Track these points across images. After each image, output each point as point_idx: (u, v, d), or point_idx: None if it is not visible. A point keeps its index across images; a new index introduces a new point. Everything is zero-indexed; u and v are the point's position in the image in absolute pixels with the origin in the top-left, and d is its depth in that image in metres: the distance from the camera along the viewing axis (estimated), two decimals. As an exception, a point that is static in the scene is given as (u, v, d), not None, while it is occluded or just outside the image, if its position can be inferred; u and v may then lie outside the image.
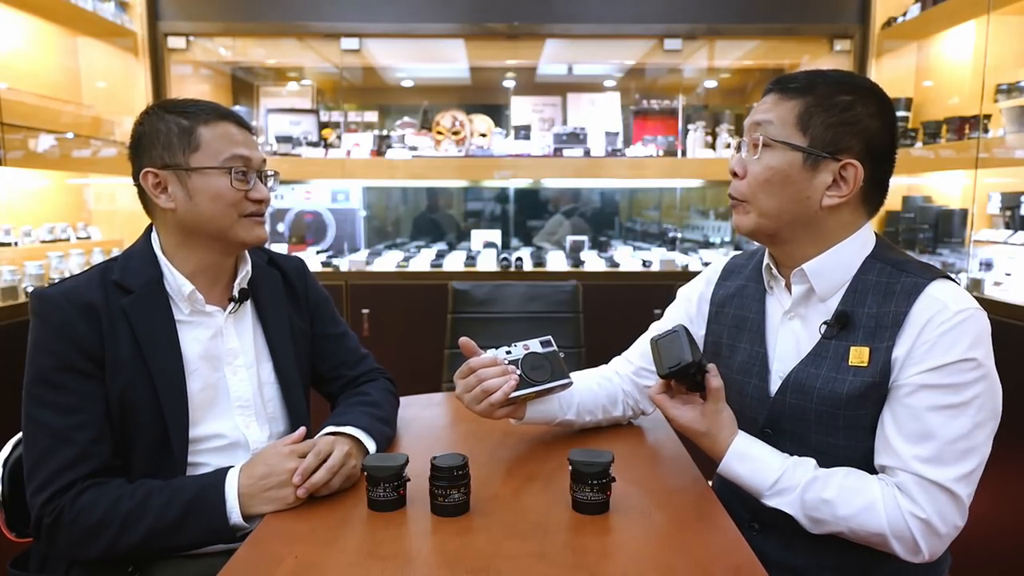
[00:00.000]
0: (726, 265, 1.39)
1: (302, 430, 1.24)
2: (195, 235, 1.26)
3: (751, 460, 1.14)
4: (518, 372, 1.24)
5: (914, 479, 1.05)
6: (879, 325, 1.11)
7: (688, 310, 1.41)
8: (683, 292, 1.46)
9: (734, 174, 1.19)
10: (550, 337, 1.30)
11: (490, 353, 1.27)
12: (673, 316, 1.44)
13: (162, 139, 1.22)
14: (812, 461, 1.12)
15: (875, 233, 1.20)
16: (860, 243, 1.17)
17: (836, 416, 1.13)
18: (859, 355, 1.12)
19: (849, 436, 1.13)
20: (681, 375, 1.13)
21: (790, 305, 1.21)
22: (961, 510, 1.05)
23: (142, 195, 1.27)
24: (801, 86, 1.13)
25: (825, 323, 1.16)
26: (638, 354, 1.46)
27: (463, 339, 1.30)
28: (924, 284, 1.09)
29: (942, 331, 1.05)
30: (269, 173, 1.33)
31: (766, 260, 1.26)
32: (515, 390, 1.22)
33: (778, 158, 1.13)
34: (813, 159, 1.11)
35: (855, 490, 1.07)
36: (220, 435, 1.26)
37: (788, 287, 1.22)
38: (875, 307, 1.12)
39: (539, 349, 1.28)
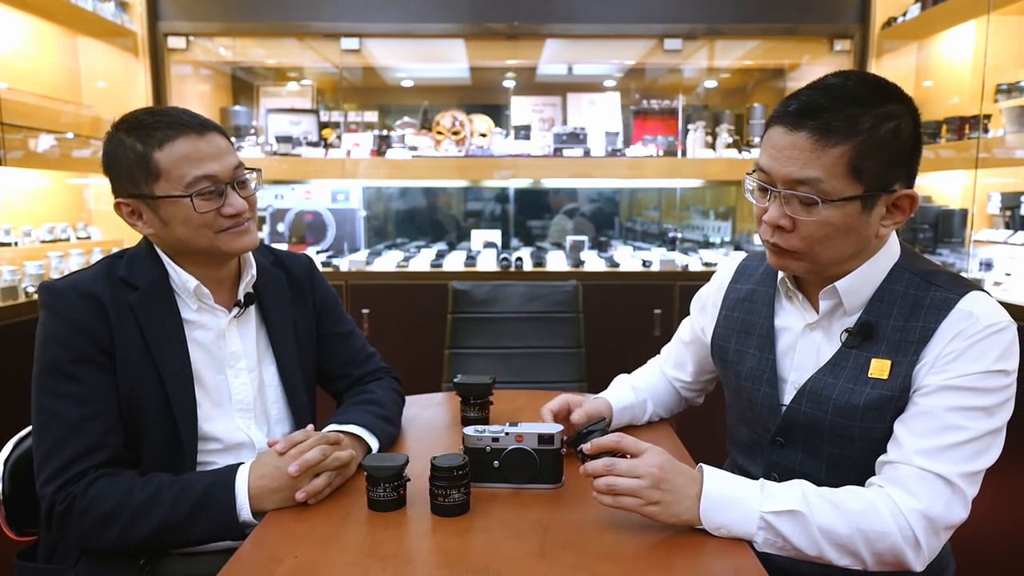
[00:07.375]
0: (738, 267, 1.36)
1: (310, 427, 1.24)
2: (183, 252, 1.26)
3: (727, 477, 1.05)
4: (494, 463, 1.17)
5: (914, 471, 1.01)
6: (904, 339, 1.07)
7: (702, 320, 1.42)
8: (696, 303, 1.46)
9: (778, 227, 1.08)
10: (561, 428, 1.18)
11: (472, 434, 1.17)
12: (689, 326, 1.47)
13: (124, 170, 1.20)
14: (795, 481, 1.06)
15: (899, 240, 1.16)
16: (888, 253, 1.13)
17: (851, 428, 1.10)
18: (880, 368, 1.08)
19: (864, 448, 1.10)
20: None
21: (816, 320, 1.17)
22: (963, 503, 1.01)
23: None
24: (844, 126, 1.01)
25: (847, 331, 1.12)
26: (672, 365, 1.53)
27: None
28: (955, 300, 1.05)
29: (969, 343, 1.02)
30: (248, 175, 1.26)
31: (781, 274, 1.22)
32: (477, 479, 1.16)
33: (836, 213, 1.03)
34: (871, 200, 1.04)
35: (850, 493, 1.03)
36: (219, 439, 1.26)
37: (810, 300, 1.19)
38: (902, 320, 1.08)
39: (534, 445, 1.16)
